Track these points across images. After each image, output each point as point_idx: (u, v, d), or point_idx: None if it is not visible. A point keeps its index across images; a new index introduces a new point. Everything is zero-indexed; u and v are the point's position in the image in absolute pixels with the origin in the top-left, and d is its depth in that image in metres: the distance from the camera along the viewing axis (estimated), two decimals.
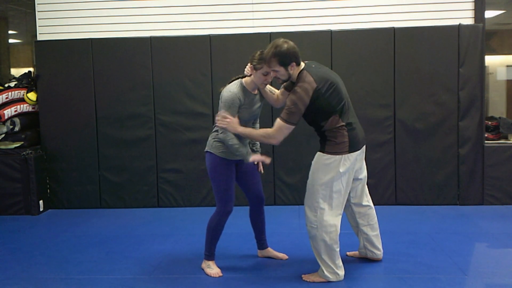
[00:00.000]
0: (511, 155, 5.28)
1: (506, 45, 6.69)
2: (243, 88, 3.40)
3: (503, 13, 6.30)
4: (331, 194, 3.30)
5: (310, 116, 3.29)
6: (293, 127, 3.21)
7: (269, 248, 3.90)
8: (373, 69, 5.31)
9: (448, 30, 5.25)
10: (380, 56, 5.30)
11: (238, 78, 3.49)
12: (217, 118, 3.32)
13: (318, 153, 3.35)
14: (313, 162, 3.36)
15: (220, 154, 3.45)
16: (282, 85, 3.53)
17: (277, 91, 3.60)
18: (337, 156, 3.25)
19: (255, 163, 3.64)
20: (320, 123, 3.28)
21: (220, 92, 3.47)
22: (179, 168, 5.54)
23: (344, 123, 3.26)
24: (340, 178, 3.29)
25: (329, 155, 3.26)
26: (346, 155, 3.26)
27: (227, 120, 3.28)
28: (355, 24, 5.47)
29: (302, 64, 3.29)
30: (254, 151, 3.69)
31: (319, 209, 3.30)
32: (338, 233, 3.35)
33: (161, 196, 5.61)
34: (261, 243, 3.89)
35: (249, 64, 3.41)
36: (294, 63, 3.21)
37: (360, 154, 3.40)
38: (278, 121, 3.22)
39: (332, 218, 3.31)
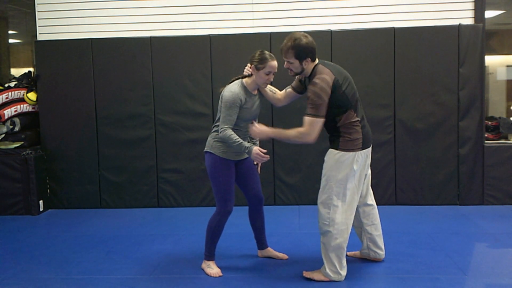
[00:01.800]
0: (511, 155, 5.29)
1: (506, 45, 6.69)
2: (244, 88, 3.41)
3: (503, 13, 6.30)
4: (344, 191, 3.30)
5: (328, 110, 3.24)
6: (322, 120, 3.17)
7: (269, 248, 3.90)
8: (373, 69, 5.31)
9: (448, 30, 5.25)
10: (380, 56, 5.30)
11: (238, 78, 3.49)
12: (250, 128, 3.35)
13: (331, 150, 3.33)
14: (326, 159, 3.36)
15: (220, 154, 3.45)
16: (290, 85, 3.53)
17: (278, 91, 3.61)
18: (351, 153, 3.25)
19: (255, 163, 3.64)
20: (335, 118, 3.27)
21: (220, 92, 3.47)
22: (179, 168, 5.54)
23: (358, 119, 3.27)
24: (353, 175, 3.30)
25: (342, 152, 3.26)
26: (359, 152, 3.27)
27: (258, 129, 3.31)
28: (355, 24, 5.48)
29: (317, 60, 3.30)
30: (253, 144, 3.68)
31: (333, 206, 3.30)
32: (349, 232, 3.35)
33: (161, 196, 5.61)
34: (261, 243, 3.89)
35: (249, 65, 3.41)
36: (309, 59, 3.23)
37: (370, 151, 3.41)
38: (307, 119, 3.18)
39: (345, 216, 3.32)
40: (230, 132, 3.31)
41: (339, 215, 3.30)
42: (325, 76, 3.16)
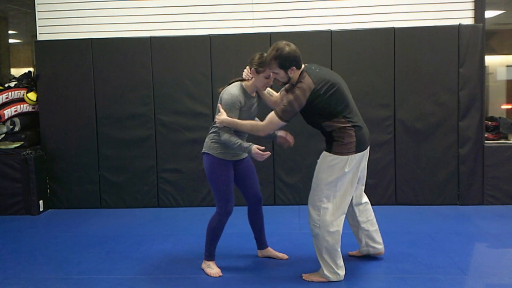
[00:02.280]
0: (511, 155, 5.29)
1: (506, 45, 6.69)
2: (243, 90, 3.41)
3: (503, 13, 6.30)
4: (335, 193, 3.31)
5: (311, 117, 3.30)
6: (284, 123, 3.25)
7: (269, 248, 3.90)
8: (373, 69, 5.31)
9: (448, 30, 5.25)
10: (380, 56, 5.30)
11: (237, 81, 3.48)
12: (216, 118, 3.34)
13: (324, 152, 3.35)
14: (318, 161, 3.37)
15: (218, 155, 3.45)
16: (283, 88, 3.54)
17: (275, 93, 3.62)
18: (344, 156, 3.26)
19: (282, 136, 3.55)
20: (322, 124, 3.29)
21: (220, 92, 3.47)
22: (179, 168, 5.54)
23: (350, 124, 3.27)
24: (345, 177, 3.30)
25: (335, 155, 3.27)
26: (352, 155, 3.27)
27: (216, 121, 3.32)
28: (355, 24, 5.48)
29: (303, 66, 3.30)
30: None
31: (322, 208, 3.31)
32: (341, 233, 3.35)
33: (161, 196, 5.61)
34: (261, 243, 3.89)
35: (247, 68, 3.41)
36: (294, 67, 3.23)
37: (365, 153, 3.41)
38: (271, 114, 3.24)
39: (335, 218, 3.32)
40: (229, 134, 3.32)
41: (329, 217, 3.30)
42: (305, 86, 3.17)
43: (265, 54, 3.34)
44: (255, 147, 3.28)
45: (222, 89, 3.48)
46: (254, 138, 3.50)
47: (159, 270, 3.70)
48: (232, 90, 3.37)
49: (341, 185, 3.31)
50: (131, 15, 5.67)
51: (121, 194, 5.62)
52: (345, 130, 3.25)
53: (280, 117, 3.20)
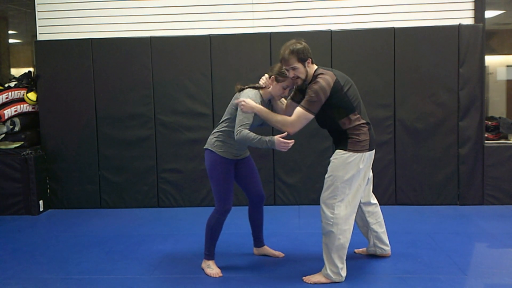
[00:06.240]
0: (511, 155, 5.29)
1: (506, 45, 6.69)
2: (260, 96, 3.46)
3: (503, 13, 6.30)
4: (349, 192, 3.33)
5: (329, 113, 3.29)
6: (312, 116, 3.23)
7: (265, 246, 3.92)
8: (373, 69, 5.31)
9: (448, 30, 5.25)
10: (380, 56, 5.30)
11: (254, 87, 3.49)
12: (240, 103, 3.31)
13: (338, 150, 3.35)
14: (332, 160, 3.37)
15: (220, 153, 3.48)
16: (289, 97, 3.57)
17: (284, 101, 3.64)
18: (358, 153, 3.29)
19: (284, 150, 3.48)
20: (338, 122, 3.30)
21: (237, 90, 3.49)
22: (179, 168, 5.54)
23: (364, 121, 3.32)
24: (359, 175, 3.33)
25: (351, 153, 3.29)
26: (365, 153, 3.31)
27: (243, 104, 3.30)
28: (355, 24, 5.48)
29: (315, 66, 3.35)
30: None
31: (336, 206, 3.32)
32: (351, 232, 3.37)
33: (161, 196, 5.61)
34: (258, 241, 3.91)
35: (266, 75, 3.43)
36: (310, 59, 3.29)
37: (373, 154, 3.45)
38: (298, 109, 3.23)
39: (348, 216, 3.34)
40: (246, 131, 3.30)
41: (343, 215, 3.32)
42: (327, 76, 3.22)
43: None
44: (278, 137, 3.24)
45: (240, 87, 3.49)
46: (252, 148, 3.47)
47: (159, 270, 3.70)
48: (250, 94, 3.41)
49: (355, 183, 3.34)
50: (131, 15, 5.67)
51: (121, 194, 5.62)
52: (360, 127, 3.30)
53: (307, 109, 3.20)
